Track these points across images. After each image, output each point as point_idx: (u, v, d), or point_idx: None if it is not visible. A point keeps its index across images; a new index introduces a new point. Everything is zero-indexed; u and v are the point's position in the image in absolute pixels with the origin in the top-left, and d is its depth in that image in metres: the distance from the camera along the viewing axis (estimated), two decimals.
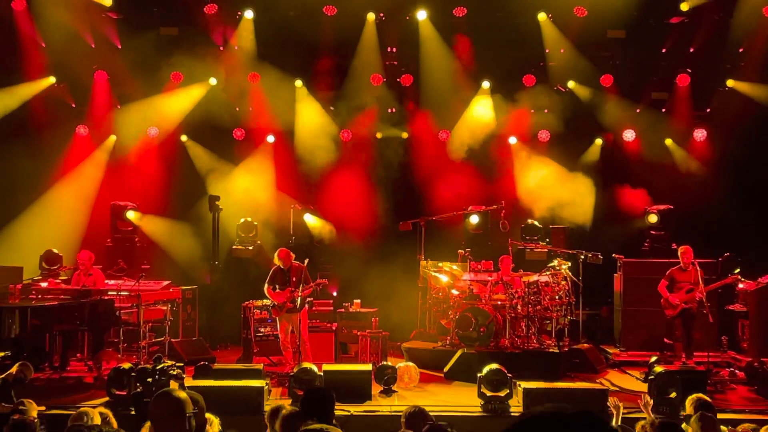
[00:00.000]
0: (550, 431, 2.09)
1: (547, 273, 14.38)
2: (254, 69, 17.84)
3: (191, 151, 18.78)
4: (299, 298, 13.43)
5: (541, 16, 17.29)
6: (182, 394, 4.97)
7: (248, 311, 14.90)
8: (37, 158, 17.51)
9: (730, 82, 17.61)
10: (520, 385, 11.04)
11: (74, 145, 18.35)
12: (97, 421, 6.62)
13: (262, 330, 14.83)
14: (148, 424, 5.89)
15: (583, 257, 15.04)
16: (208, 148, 18.73)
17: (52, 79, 17.64)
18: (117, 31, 17.30)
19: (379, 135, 18.90)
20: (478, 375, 11.16)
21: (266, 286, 13.78)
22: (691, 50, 17.39)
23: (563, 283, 14.28)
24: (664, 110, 18.39)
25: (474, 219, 17.53)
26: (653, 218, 16.99)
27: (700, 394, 7.76)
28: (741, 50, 17.12)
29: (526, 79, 18.04)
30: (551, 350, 13.90)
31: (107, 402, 10.60)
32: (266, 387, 11.01)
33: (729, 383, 12.81)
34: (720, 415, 8.01)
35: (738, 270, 14.62)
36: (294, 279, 13.59)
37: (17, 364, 10.16)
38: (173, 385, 10.56)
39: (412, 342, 15.28)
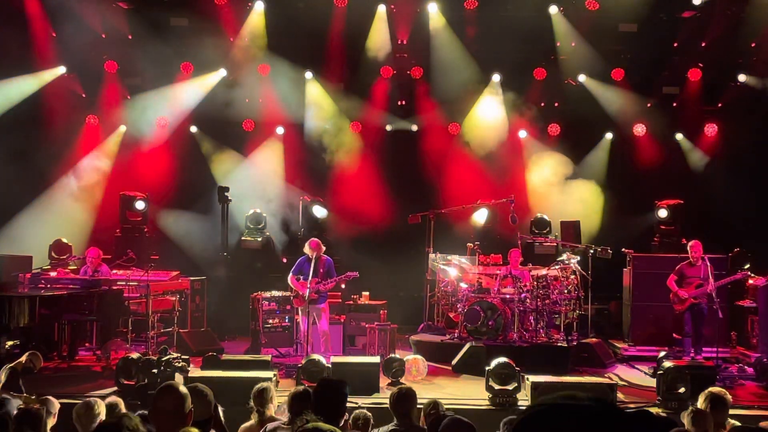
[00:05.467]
0: (562, 423, 2.04)
1: (556, 267, 14.33)
2: (264, 60, 17.83)
3: (201, 141, 18.81)
4: (324, 290, 13.60)
5: (553, 10, 17.23)
6: (184, 389, 4.96)
7: (257, 302, 14.90)
8: (48, 148, 17.57)
9: (741, 77, 17.54)
10: (528, 379, 11.01)
11: (84, 135, 18.39)
12: (103, 410, 6.62)
13: (271, 321, 14.82)
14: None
15: (592, 251, 15.00)
16: (218, 139, 18.76)
17: (62, 69, 17.66)
18: (127, 22, 17.29)
19: (388, 127, 18.91)
20: (486, 368, 11.13)
21: (290, 275, 13.77)
22: (703, 45, 17.32)
23: (572, 277, 14.24)
24: (675, 105, 18.35)
25: (480, 216, 17.50)
26: (663, 213, 16.93)
27: (716, 389, 7.72)
28: (753, 45, 17.04)
29: (537, 72, 18.01)
30: (560, 344, 13.87)
31: (117, 391, 10.61)
32: (274, 378, 11.01)
33: (738, 379, 12.76)
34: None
35: (748, 265, 14.58)
36: (321, 271, 13.61)
37: (26, 354, 10.19)
38: (177, 378, 10.59)
39: (420, 335, 15.27)
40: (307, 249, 13.76)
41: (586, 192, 18.04)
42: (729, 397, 7.54)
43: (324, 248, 13.88)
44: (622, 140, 18.55)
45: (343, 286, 14.37)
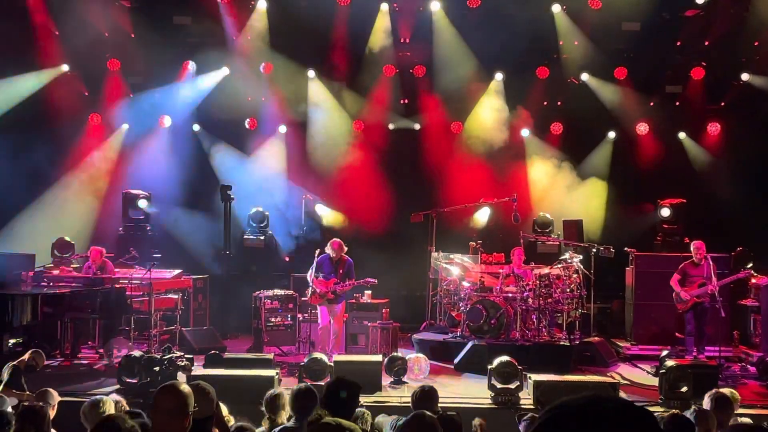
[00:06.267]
0: (587, 426, 2.00)
1: (559, 266, 14.33)
2: (267, 59, 17.83)
3: (203, 140, 18.81)
4: (341, 291, 13.69)
5: (556, 8, 17.21)
6: (186, 389, 4.91)
7: (259, 301, 14.91)
8: (50, 146, 17.57)
9: (744, 76, 17.52)
10: (530, 378, 11.02)
11: (87, 133, 18.40)
12: (110, 408, 6.62)
13: (273, 320, 14.84)
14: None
15: (595, 250, 14.98)
16: (220, 137, 18.75)
17: (65, 68, 17.69)
18: (130, 20, 17.29)
19: (391, 126, 18.89)
20: (489, 367, 11.14)
21: (310, 272, 13.73)
22: (706, 43, 17.31)
23: (575, 276, 14.23)
24: (678, 103, 18.32)
25: (482, 215, 17.51)
26: (666, 212, 16.93)
27: (725, 390, 7.73)
28: (756, 44, 17.01)
29: (540, 71, 17.99)
30: (562, 343, 13.86)
31: (119, 390, 10.63)
32: (277, 376, 11.01)
33: (740, 378, 12.75)
34: None
35: (750, 264, 14.56)
36: (341, 272, 13.71)
37: (29, 352, 10.18)
38: (180, 376, 10.59)
39: (423, 333, 15.25)
40: (328, 249, 13.82)
41: (588, 191, 18.03)
42: (738, 397, 7.54)
43: (346, 249, 13.91)
44: (624, 139, 18.53)
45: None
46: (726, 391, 7.67)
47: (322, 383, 9.28)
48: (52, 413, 7.22)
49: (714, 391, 7.46)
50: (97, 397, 6.83)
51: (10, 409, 6.49)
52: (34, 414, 6.35)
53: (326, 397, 6.22)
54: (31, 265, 14.76)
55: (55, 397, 7.52)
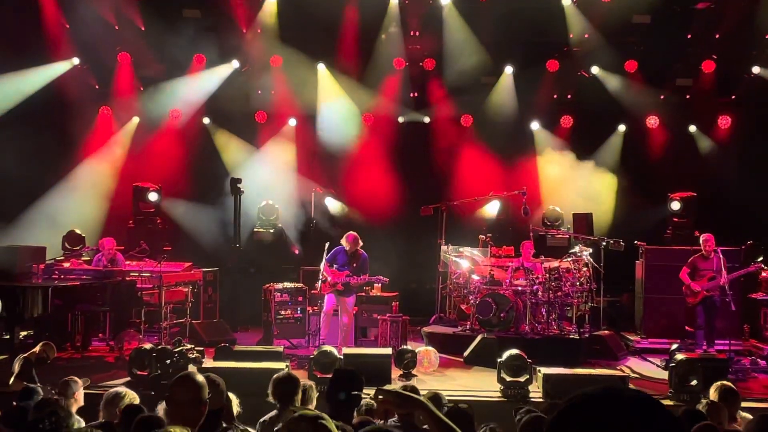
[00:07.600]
0: (605, 417, 1.99)
1: (569, 259, 14.31)
2: (277, 52, 17.83)
3: (213, 133, 18.84)
4: (354, 284, 13.69)
5: (566, 1, 17.16)
6: (201, 378, 4.94)
7: (269, 294, 14.93)
8: (61, 139, 17.63)
9: (755, 69, 17.45)
10: (540, 371, 11.02)
11: (97, 126, 18.44)
12: (128, 400, 6.64)
13: (283, 312, 14.85)
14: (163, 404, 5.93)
15: (604, 244, 14.94)
16: (230, 130, 18.78)
17: (75, 61, 17.71)
18: (140, 13, 17.32)
19: (401, 119, 18.89)
20: (498, 360, 11.14)
21: (324, 262, 13.70)
22: (717, 36, 17.22)
23: (584, 269, 14.20)
24: (688, 97, 18.26)
25: (492, 208, 17.49)
26: (676, 205, 16.87)
27: (725, 381, 7.73)
28: (767, 37, 16.94)
29: (550, 64, 17.94)
30: (571, 336, 13.85)
31: (130, 382, 10.67)
32: (286, 369, 11.03)
33: (750, 372, 12.71)
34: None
35: (761, 258, 14.52)
36: (355, 265, 13.70)
37: (40, 344, 10.23)
38: (191, 368, 10.62)
39: (432, 327, 15.27)
40: (344, 242, 13.81)
41: (598, 184, 18.00)
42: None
43: (361, 243, 13.90)
44: (635, 132, 18.49)
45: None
46: (727, 383, 7.67)
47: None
48: (76, 402, 7.27)
49: (719, 383, 7.46)
50: (119, 389, 6.85)
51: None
52: (49, 406, 6.37)
53: (329, 390, 6.27)
54: (41, 258, 14.79)
55: (79, 385, 7.55)
